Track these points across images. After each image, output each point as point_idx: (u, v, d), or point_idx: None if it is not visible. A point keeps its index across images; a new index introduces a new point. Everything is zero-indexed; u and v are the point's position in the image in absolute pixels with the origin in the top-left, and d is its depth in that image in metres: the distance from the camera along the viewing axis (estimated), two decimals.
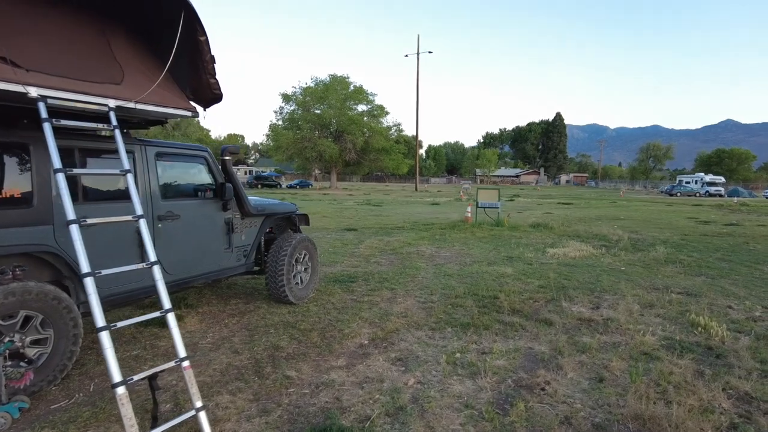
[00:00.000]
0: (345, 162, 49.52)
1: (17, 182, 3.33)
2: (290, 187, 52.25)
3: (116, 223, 3.86)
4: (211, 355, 4.09)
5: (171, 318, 2.94)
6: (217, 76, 3.66)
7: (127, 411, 2.50)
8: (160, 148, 4.33)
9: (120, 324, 2.74)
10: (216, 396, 3.37)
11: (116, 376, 2.55)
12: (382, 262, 8.40)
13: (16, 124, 3.34)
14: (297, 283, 5.70)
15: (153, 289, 4.20)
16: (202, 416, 2.79)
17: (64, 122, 2.82)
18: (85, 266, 2.65)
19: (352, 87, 47.91)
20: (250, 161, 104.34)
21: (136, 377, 2.72)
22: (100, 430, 2.94)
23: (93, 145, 3.83)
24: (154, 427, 2.70)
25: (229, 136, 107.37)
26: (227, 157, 4.94)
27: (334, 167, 50.54)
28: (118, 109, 3.17)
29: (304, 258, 5.86)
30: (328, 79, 47.84)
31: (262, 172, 60.39)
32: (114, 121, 3.07)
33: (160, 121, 4.03)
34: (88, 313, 3.83)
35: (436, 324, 4.91)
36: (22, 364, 3.19)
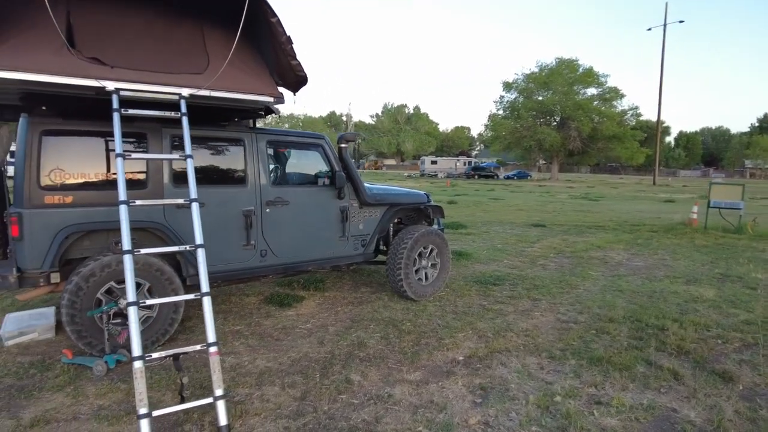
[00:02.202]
0: (568, 151, 45.54)
1: (135, 167, 3.82)
2: (507, 178, 50.90)
3: (224, 207, 4.16)
4: (297, 342, 4.07)
5: (206, 302, 2.94)
6: (298, 57, 3.53)
7: (140, 385, 2.59)
8: (272, 136, 4.47)
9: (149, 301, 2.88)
10: (267, 386, 3.29)
11: (136, 350, 2.67)
12: (550, 265, 7.26)
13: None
14: (419, 279, 5.30)
15: (258, 271, 4.43)
16: (220, 405, 2.72)
17: (132, 111, 3.06)
18: (126, 243, 2.83)
19: (581, 69, 43.53)
20: (474, 152, 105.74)
21: (155, 355, 2.81)
22: (167, 392, 3.15)
23: (213, 133, 4.18)
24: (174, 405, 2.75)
25: (456, 128, 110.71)
26: (343, 145, 4.84)
27: (555, 157, 47.05)
28: (195, 96, 3.32)
29: (430, 253, 5.41)
30: (554, 63, 44.56)
31: (481, 163, 60.36)
32: (183, 109, 3.21)
33: (269, 110, 4.14)
34: (193, 286, 4.23)
35: (559, 352, 3.90)
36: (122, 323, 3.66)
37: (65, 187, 3.56)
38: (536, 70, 45.56)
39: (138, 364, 2.62)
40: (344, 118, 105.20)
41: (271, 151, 4.47)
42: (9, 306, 4.81)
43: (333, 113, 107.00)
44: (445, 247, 5.51)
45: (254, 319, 4.60)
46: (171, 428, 2.82)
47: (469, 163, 57.72)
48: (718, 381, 3.39)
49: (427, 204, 5.71)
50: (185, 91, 3.25)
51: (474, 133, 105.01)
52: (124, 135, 3.81)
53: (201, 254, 3.03)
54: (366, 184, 5.41)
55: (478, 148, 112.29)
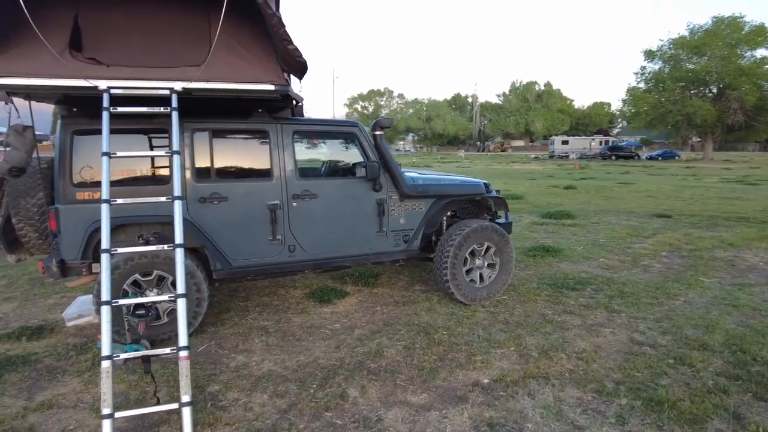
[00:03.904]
0: (727, 127, 38.67)
1: (159, 162, 3.88)
2: (650, 158, 45.12)
3: (248, 201, 4.07)
4: (314, 344, 3.85)
5: (180, 303, 2.84)
6: (294, 42, 3.22)
7: (105, 385, 2.56)
8: (299, 126, 4.25)
9: (121, 301, 2.85)
10: (258, 392, 3.12)
11: (105, 350, 2.65)
12: (654, 267, 6.06)
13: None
14: (472, 281, 4.72)
15: (288, 266, 4.29)
16: (186, 412, 2.59)
17: (121, 109, 3.04)
18: (105, 243, 2.82)
19: (746, 28, 36.31)
20: (615, 131, 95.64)
21: (123, 355, 2.77)
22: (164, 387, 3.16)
23: (236, 126, 4.10)
24: (143, 407, 2.70)
25: (594, 104, 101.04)
26: (378, 132, 4.43)
27: (709, 134, 40.29)
28: (191, 90, 3.21)
29: (486, 251, 4.78)
30: (710, 23, 37.83)
31: (620, 142, 54.39)
32: (174, 103, 3.11)
33: (289, 98, 3.92)
34: (219, 280, 4.23)
35: (612, 385, 3.12)
36: (138, 313, 3.76)
37: (94, 184, 3.74)
38: (686, 33, 39.21)
39: (105, 364, 2.60)
40: (470, 99, 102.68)
41: (298, 142, 4.26)
42: (60, 291, 5.21)
43: (458, 95, 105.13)
44: (506, 245, 4.83)
45: (287, 315, 4.49)
46: (149, 428, 2.78)
47: (606, 142, 52.33)
48: None
49: (485, 195, 5.05)
50: (178, 85, 3.16)
51: (615, 109, 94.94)
52: (148, 132, 3.93)
53: (179, 254, 2.92)
54: (414, 174, 4.96)
55: (620, 125, 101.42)
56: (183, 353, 2.74)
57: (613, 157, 44.88)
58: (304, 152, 4.32)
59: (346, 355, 3.62)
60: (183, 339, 2.77)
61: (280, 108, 4.22)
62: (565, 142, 53.71)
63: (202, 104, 3.94)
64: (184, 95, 3.41)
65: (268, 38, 3.53)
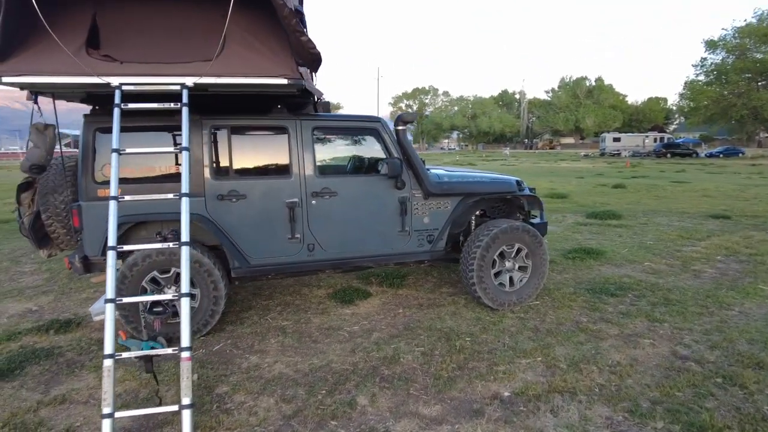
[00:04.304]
0: None
1: (176, 160, 3.86)
2: (710, 156, 42.39)
3: (266, 199, 4.00)
4: (330, 347, 3.72)
5: (184, 303, 2.78)
6: (307, 33, 3.09)
7: (107, 384, 2.53)
8: (319, 121, 4.13)
9: (126, 299, 2.83)
10: (266, 396, 3.02)
11: (108, 348, 2.62)
12: (706, 273, 5.56)
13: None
14: (501, 284, 4.46)
15: (307, 266, 4.20)
16: (186, 415, 2.53)
17: (132, 105, 3.01)
18: (112, 240, 2.79)
19: None
20: (672, 127, 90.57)
21: (125, 354, 2.73)
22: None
23: (254, 122, 4.03)
24: (145, 407, 2.65)
25: (649, 100, 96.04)
26: (401, 127, 4.25)
27: None
28: (202, 85, 3.15)
29: (518, 253, 4.50)
30: None
31: (676, 139, 51.47)
32: (184, 99, 3.06)
33: (308, 93, 3.82)
34: (238, 278, 4.18)
35: (647, 405, 2.81)
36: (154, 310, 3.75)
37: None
38: (753, 20, 36.51)
39: (108, 362, 2.57)
40: (517, 96, 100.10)
41: (318, 139, 4.14)
42: (94, 285, 5.32)
43: (505, 91, 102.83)
44: (539, 247, 4.53)
45: (307, 315, 4.39)
46: (153, 428, 2.74)
47: (661, 139, 49.66)
48: None
49: (516, 193, 4.76)
50: (189, 81, 3.10)
51: (672, 104, 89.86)
52: (172, 129, 3.91)
53: (184, 252, 2.86)
54: (440, 171, 4.74)
55: (677, 121, 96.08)
56: (185, 354, 2.68)
57: (669, 155, 42.47)
58: (324, 149, 4.19)
59: (360, 360, 3.47)
60: (186, 339, 2.71)
61: (301, 104, 4.12)
62: (616, 140, 51.42)
63: (221, 100, 3.90)
64: (200, 91, 3.38)
65: (283, 30, 3.43)
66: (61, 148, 3.71)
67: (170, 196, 3.01)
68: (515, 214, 5.06)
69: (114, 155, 2.91)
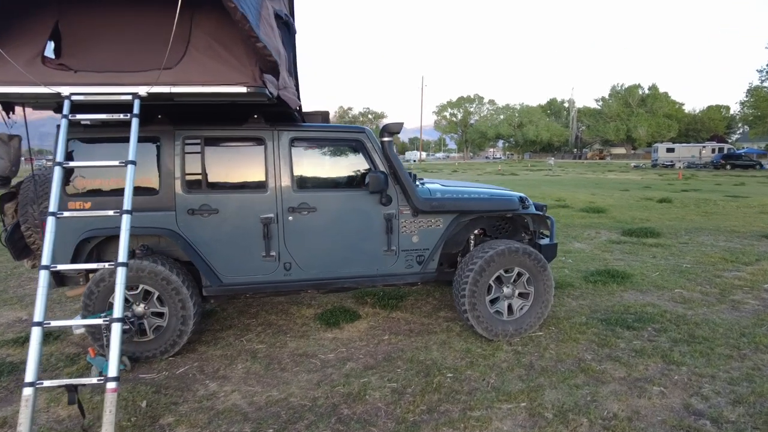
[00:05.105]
0: None
1: (149, 173, 3.70)
2: None
3: (240, 214, 3.79)
4: (296, 377, 3.43)
5: (115, 328, 2.57)
6: (263, 40, 2.84)
7: (23, 414, 2.36)
8: (297, 132, 3.88)
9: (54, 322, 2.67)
10: None
11: (29, 375, 2.45)
12: (747, 304, 4.89)
13: (150, 119, 3.70)
14: (497, 312, 4.05)
15: (284, 286, 3.95)
16: None
17: (79, 116, 2.87)
18: (46, 259, 2.63)
19: None
20: (735, 137, 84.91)
21: (47, 383, 2.55)
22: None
23: (228, 133, 3.83)
24: None
25: (709, 108, 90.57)
26: (386, 139, 3.93)
27: None
28: (156, 95, 2.97)
29: (517, 278, 4.08)
30: None
31: (738, 149, 48.13)
32: (135, 110, 2.89)
33: (285, 103, 3.58)
34: (211, 297, 3.97)
35: None
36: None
37: (85, 194, 3.65)
38: None
39: (27, 391, 2.40)
40: (566, 105, 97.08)
41: (297, 150, 3.89)
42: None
43: (553, 100, 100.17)
44: (542, 272, 4.08)
45: (285, 338, 4.13)
46: None
47: (720, 149, 46.59)
48: None
49: (518, 211, 4.33)
50: (142, 90, 2.93)
51: (734, 112, 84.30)
52: (140, 139, 3.76)
53: (120, 273, 2.66)
54: (436, 185, 4.38)
55: (740, 131, 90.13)
56: (111, 385, 2.47)
57: (728, 167, 39.72)
58: (304, 161, 3.93)
59: (322, 395, 3.16)
60: (113, 369, 2.50)
61: (282, 113, 3.89)
62: (670, 150, 48.67)
63: (198, 110, 3.73)
64: (167, 101, 3.21)
65: (242, 43, 3.21)
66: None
67: (111, 212, 2.83)
68: (520, 234, 4.62)
69: (57, 168, 2.77)
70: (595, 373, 3.42)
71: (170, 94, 2.97)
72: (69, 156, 3.68)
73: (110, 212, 2.85)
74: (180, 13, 3.13)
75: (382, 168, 3.93)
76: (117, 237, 3.69)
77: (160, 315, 3.71)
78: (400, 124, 3.90)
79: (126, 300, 3.65)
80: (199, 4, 3.18)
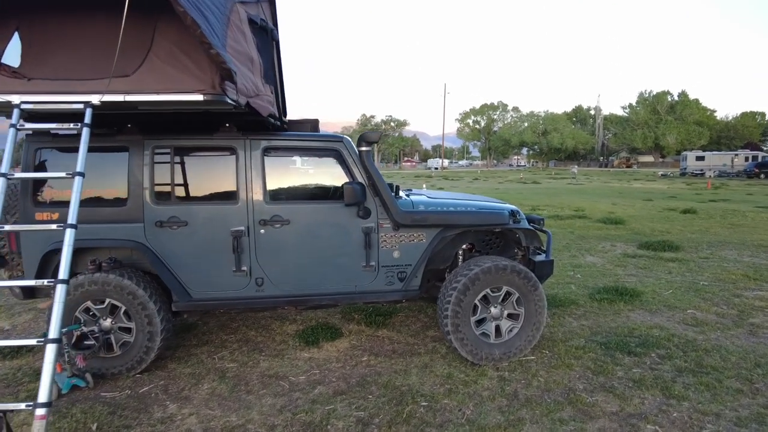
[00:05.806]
0: None
1: (117, 184, 3.58)
2: None
3: (209, 227, 3.64)
4: (258, 401, 3.22)
5: (49, 350, 2.41)
6: (216, 46, 2.68)
7: None
8: (271, 141, 3.71)
9: None
10: None
11: None
12: (767, 329, 4.48)
13: (120, 129, 3.58)
14: (484, 334, 3.77)
15: (256, 303, 3.78)
16: None
17: (28, 125, 2.75)
18: None
19: None
20: None
21: None
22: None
23: (198, 143, 3.69)
24: None
25: (743, 114, 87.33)
26: (364, 148, 3.72)
27: None
28: (110, 103, 2.83)
29: (505, 298, 3.80)
30: None
31: None
32: (86, 119, 2.76)
33: (257, 112, 3.41)
34: (178, 314, 3.82)
35: None
36: (78, 347, 3.44)
37: (53, 204, 3.55)
38: None
39: None
40: (592, 112, 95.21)
41: (271, 160, 3.72)
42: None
43: (579, 107, 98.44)
44: (533, 292, 3.79)
45: (260, 356, 3.94)
46: None
47: (754, 158, 44.79)
48: None
49: (508, 226, 4.05)
50: (95, 98, 2.79)
51: None
52: (101, 150, 3.64)
53: (59, 291, 2.51)
54: (421, 197, 4.15)
55: None
56: (40, 411, 2.31)
57: (762, 176, 38.09)
58: (277, 172, 3.75)
59: (281, 423, 2.94)
60: (44, 394, 2.34)
61: (255, 123, 3.72)
62: (700, 158, 47.07)
63: (167, 120, 3.60)
64: (130, 110, 3.09)
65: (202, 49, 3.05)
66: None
67: (53, 226, 2.70)
68: (512, 250, 4.34)
69: (1, 180, 2.64)
70: (585, 406, 3.11)
71: (126, 102, 2.83)
72: (41, 166, 3.61)
73: (53, 226, 2.71)
74: (143, 21, 3.01)
75: (360, 179, 3.73)
76: (86, 249, 3.65)
77: (128, 330, 3.57)
78: (379, 133, 3.69)
79: (93, 314, 3.56)
80: (164, 12, 3.05)
